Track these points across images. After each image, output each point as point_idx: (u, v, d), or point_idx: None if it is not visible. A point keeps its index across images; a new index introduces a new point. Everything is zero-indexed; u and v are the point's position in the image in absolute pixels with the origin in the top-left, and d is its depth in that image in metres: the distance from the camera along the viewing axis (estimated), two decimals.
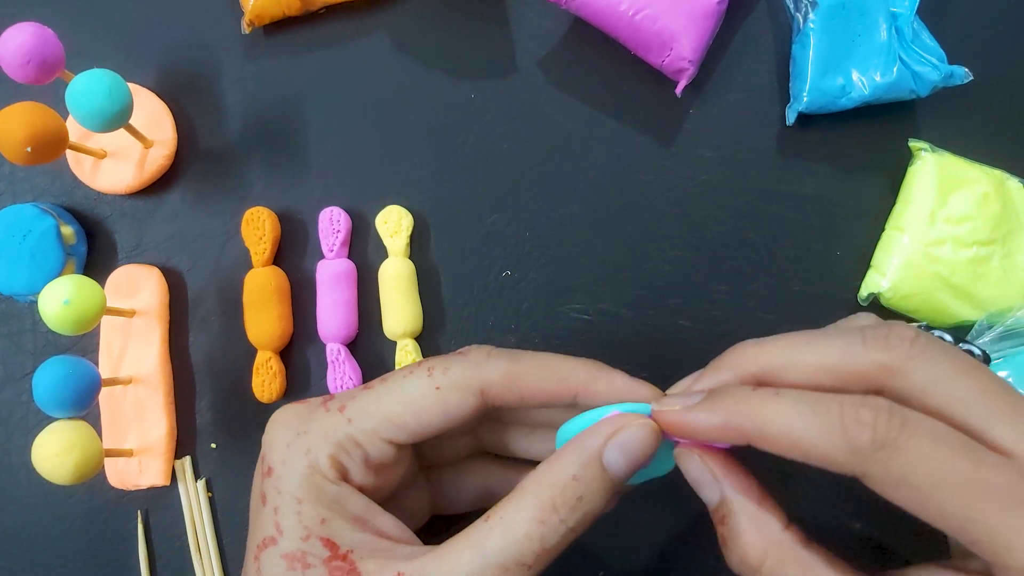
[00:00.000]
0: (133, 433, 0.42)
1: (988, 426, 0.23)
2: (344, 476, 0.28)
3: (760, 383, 0.26)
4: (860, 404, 0.23)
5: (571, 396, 0.29)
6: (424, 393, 0.28)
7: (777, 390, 0.25)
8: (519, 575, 0.25)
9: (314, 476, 0.27)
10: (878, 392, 0.24)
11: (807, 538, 0.25)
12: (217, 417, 0.43)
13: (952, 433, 0.23)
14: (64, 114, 0.38)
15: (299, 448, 0.28)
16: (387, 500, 0.31)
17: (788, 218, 0.43)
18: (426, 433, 0.28)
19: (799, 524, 0.26)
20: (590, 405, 0.28)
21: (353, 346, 0.43)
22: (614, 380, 0.29)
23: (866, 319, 0.28)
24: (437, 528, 0.34)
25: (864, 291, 0.42)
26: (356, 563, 0.26)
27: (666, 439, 0.28)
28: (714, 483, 0.27)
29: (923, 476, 0.22)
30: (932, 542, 0.27)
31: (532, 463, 0.30)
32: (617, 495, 0.28)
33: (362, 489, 0.28)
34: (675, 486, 0.41)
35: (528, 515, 0.25)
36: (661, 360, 0.42)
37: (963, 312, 0.40)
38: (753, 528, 0.25)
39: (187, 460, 0.42)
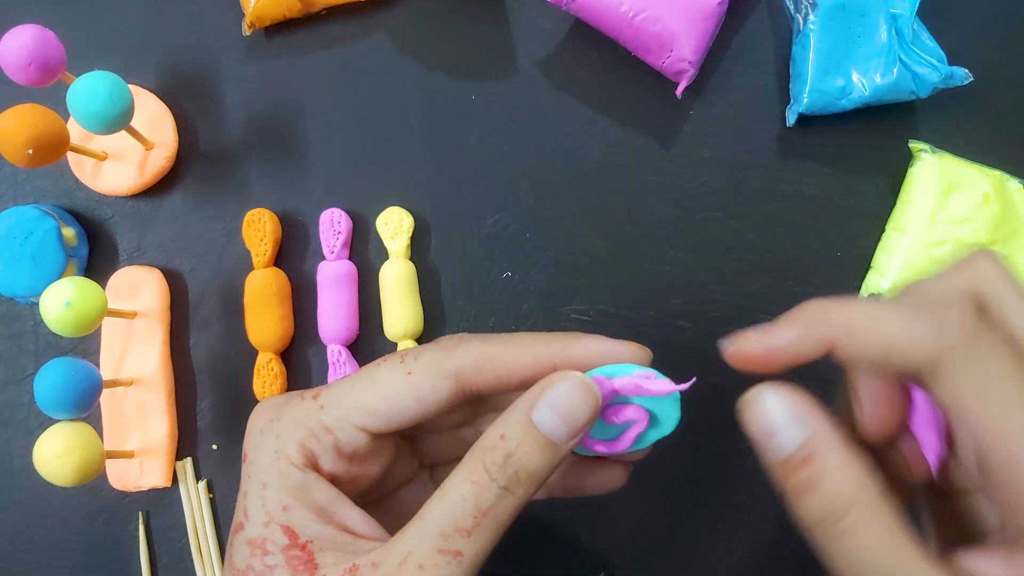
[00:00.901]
0: (134, 435, 0.42)
1: None
2: (313, 464, 0.27)
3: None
4: (948, 307, 0.23)
5: (550, 369, 0.28)
6: (395, 379, 0.27)
7: (855, 297, 0.25)
8: (459, 541, 0.25)
9: (280, 462, 0.27)
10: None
11: (887, 489, 0.23)
12: (218, 418, 0.43)
13: (1012, 354, 0.23)
14: (65, 116, 0.38)
15: (270, 434, 0.27)
16: (383, 496, 0.30)
17: (788, 218, 0.43)
18: (400, 420, 0.28)
19: None
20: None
21: (354, 347, 0.43)
22: (590, 344, 0.28)
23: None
24: None
25: (864, 292, 0.42)
26: (314, 554, 0.26)
27: (670, 393, 0.27)
28: (800, 421, 0.24)
29: (994, 375, 0.22)
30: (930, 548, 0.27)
31: None
32: (559, 455, 0.26)
33: (334, 478, 0.28)
34: (676, 486, 0.41)
35: (461, 479, 0.25)
36: (661, 360, 0.42)
37: None
38: (843, 469, 0.23)
39: (188, 461, 0.42)
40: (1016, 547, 0.23)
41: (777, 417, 0.24)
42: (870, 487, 0.23)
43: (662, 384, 0.28)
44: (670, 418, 0.29)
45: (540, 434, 0.26)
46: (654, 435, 0.29)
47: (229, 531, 0.39)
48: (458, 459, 0.34)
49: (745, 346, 0.26)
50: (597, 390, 0.26)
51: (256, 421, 0.28)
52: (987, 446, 0.22)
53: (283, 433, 0.27)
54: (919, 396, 0.27)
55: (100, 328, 0.43)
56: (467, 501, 0.25)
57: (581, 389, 0.26)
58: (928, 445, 0.27)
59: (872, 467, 0.23)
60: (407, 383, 0.27)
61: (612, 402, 0.29)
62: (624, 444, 0.29)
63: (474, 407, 0.32)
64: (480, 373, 0.27)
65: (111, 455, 0.40)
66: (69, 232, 0.43)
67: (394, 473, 0.31)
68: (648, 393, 0.28)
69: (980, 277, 0.25)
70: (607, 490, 0.32)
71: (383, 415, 0.27)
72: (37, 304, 0.36)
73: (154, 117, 0.44)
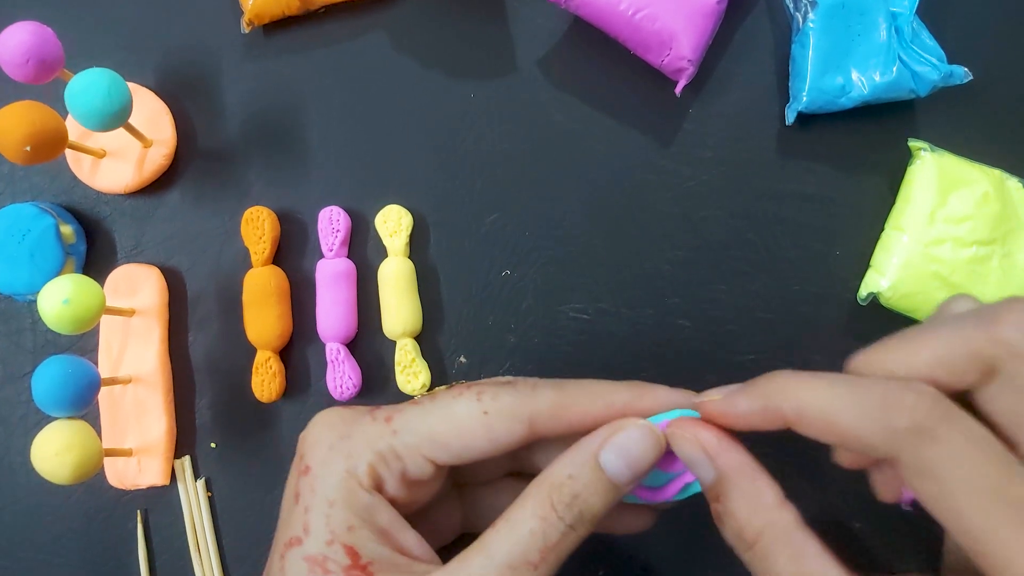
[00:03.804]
0: (132, 433, 0.42)
1: None
2: (379, 487, 0.28)
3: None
4: (905, 388, 0.23)
5: (619, 417, 0.29)
6: (472, 416, 0.28)
7: (818, 373, 0.25)
8: (526, 573, 0.25)
9: (350, 482, 0.27)
10: (989, 369, 0.24)
11: (802, 520, 0.25)
12: (217, 416, 0.43)
13: (991, 440, 0.23)
14: (63, 113, 0.38)
15: (340, 451, 0.28)
16: (416, 514, 0.31)
17: (788, 218, 0.43)
18: (469, 457, 0.28)
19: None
20: None
21: (352, 346, 0.43)
22: (657, 395, 0.29)
23: (965, 303, 0.27)
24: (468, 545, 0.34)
25: (864, 291, 0.42)
26: (374, 575, 0.26)
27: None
28: (708, 460, 0.27)
29: (951, 471, 0.22)
30: (929, 548, 0.27)
31: None
32: (619, 498, 0.27)
33: (393, 502, 0.28)
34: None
35: (529, 513, 0.26)
36: (661, 360, 0.42)
37: None
38: (749, 504, 0.26)
39: (187, 460, 0.42)
40: None
41: (692, 453, 0.27)
42: (777, 518, 0.25)
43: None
44: None
45: (606, 477, 0.27)
46: (697, 487, 0.29)
47: (236, 527, 0.39)
48: (487, 482, 0.34)
49: (712, 415, 0.27)
50: (663, 439, 0.27)
51: (323, 434, 0.28)
52: (958, 537, 0.23)
53: (355, 453, 0.27)
54: None
55: (98, 326, 0.43)
56: (535, 537, 0.26)
57: (648, 437, 0.27)
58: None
59: (783, 499, 0.26)
60: (482, 423, 0.28)
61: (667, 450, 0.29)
62: (669, 493, 0.30)
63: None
64: (554, 420, 0.28)
65: (109, 453, 0.40)
66: (67, 229, 0.43)
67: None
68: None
69: (1004, 336, 0.24)
70: (634, 531, 0.33)
71: (454, 450, 0.28)
72: (35, 301, 0.36)
73: (152, 115, 0.44)
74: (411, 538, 0.28)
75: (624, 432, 0.27)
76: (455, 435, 0.28)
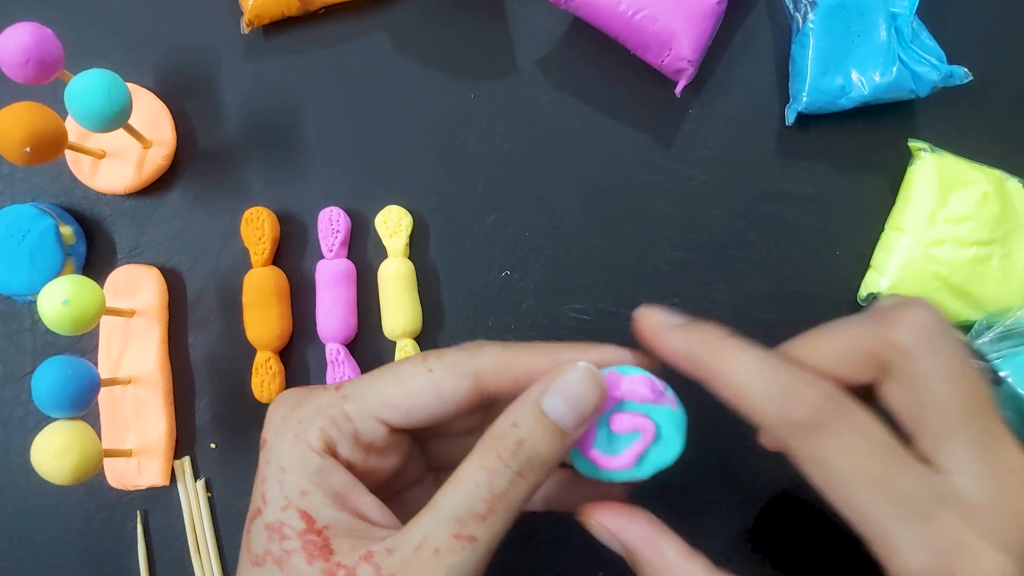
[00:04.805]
0: (132, 433, 0.42)
1: (934, 436, 0.25)
2: (332, 451, 0.28)
3: None
4: (806, 383, 0.25)
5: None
6: (417, 375, 0.28)
7: (745, 343, 0.27)
8: (475, 525, 0.25)
9: (299, 446, 0.27)
10: (883, 366, 0.26)
11: (713, 566, 0.28)
12: (216, 417, 0.43)
13: (882, 434, 0.25)
14: (63, 114, 0.38)
15: (291, 420, 0.28)
16: (391, 495, 0.31)
17: (788, 218, 0.43)
18: (419, 415, 0.28)
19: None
20: None
21: (352, 346, 0.43)
22: (604, 352, 0.29)
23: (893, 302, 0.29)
24: None
25: (863, 291, 0.42)
26: (330, 540, 0.26)
27: (675, 427, 0.29)
28: (613, 540, 0.29)
29: (840, 464, 0.25)
30: None
31: None
32: (568, 443, 0.28)
33: (350, 467, 0.28)
34: (675, 487, 0.41)
35: (475, 466, 0.26)
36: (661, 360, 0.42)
37: (963, 312, 0.40)
38: (656, 568, 0.28)
39: (186, 460, 0.42)
40: None
41: (600, 535, 0.29)
42: (686, 572, 0.27)
43: (669, 397, 0.29)
44: (674, 443, 0.29)
45: (550, 421, 0.27)
46: (656, 458, 0.29)
47: (236, 527, 0.39)
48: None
49: (644, 326, 0.29)
50: (602, 378, 0.27)
51: (277, 410, 0.29)
52: (849, 522, 0.25)
53: (304, 419, 0.28)
54: None
55: (98, 326, 0.43)
56: (481, 487, 0.26)
57: (587, 377, 0.27)
58: None
59: (688, 552, 0.28)
60: (429, 380, 0.28)
61: (620, 407, 0.29)
62: (628, 460, 0.29)
63: (484, 414, 0.32)
64: (499, 375, 0.28)
65: (109, 454, 0.40)
66: (67, 230, 0.43)
67: (404, 473, 0.32)
68: (653, 399, 0.29)
69: (896, 339, 0.26)
70: None
71: (403, 409, 0.28)
72: (35, 302, 0.36)
73: (152, 115, 0.44)
74: (369, 503, 0.28)
75: (564, 375, 0.27)
76: (403, 394, 0.28)
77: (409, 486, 0.32)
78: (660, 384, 0.29)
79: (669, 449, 0.29)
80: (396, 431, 0.29)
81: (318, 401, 0.28)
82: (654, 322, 0.29)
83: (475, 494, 0.26)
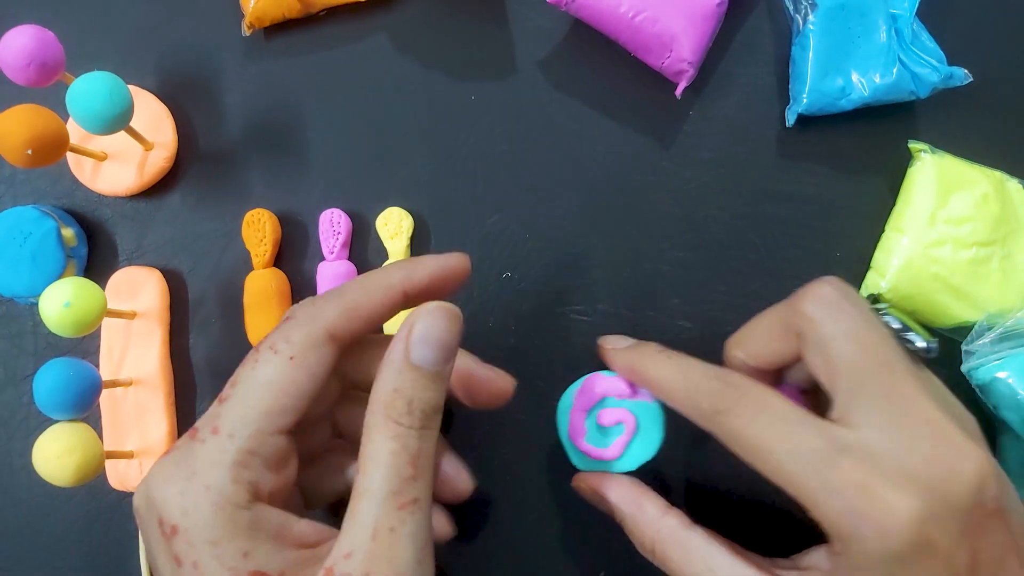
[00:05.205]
0: (134, 435, 0.42)
1: (844, 392, 0.28)
2: (255, 493, 0.26)
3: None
4: (712, 376, 0.30)
5: (402, 298, 0.30)
6: (281, 370, 0.27)
7: (671, 354, 0.33)
8: (412, 488, 0.26)
9: (225, 509, 0.25)
10: (800, 337, 0.30)
11: (689, 521, 0.32)
12: None
13: (781, 403, 0.28)
14: (65, 116, 0.38)
15: (198, 491, 0.25)
16: (308, 466, 0.31)
17: (788, 219, 0.43)
18: (304, 403, 0.28)
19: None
20: (425, 298, 0.30)
21: None
22: (426, 263, 0.31)
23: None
24: None
25: (863, 292, 0.42)
26: None
27: (652, 419, 0.35)
28: (601, 499, 0.34)
29: (750, 436, 0.28)
30: None
31: None
32: (446, 378, 0.28)
33: (272, 497, 0.27)
34: (675, 487, 0.41)
35: (380, 438, 0.26)
36: None
37: (963, 313, 0.40)
38: (637, 523, 0.33)
39: None
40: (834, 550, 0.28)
41: (589, 496, 0.36)
42: (664, 526, 0.32)
43: (643, 393, 0.36)
44: (654, 434, 0.35)
45: (426, 371, 0.27)
46: (640, 449, 0.35)
47: None
48: (315, 458, 0.33)
49: (603, 347, 0.36)
50: (454, 309, 0.28)
51: (167, 490, 0.26)
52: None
53: (210, 484, 0.26)
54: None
55: (100, 328, 0.43)
56: (398, 455, 0.26)
57: (441, 315, 0.28)
58: None
59: (666, 508, 0.33)
60: (293, 368, 0.27)
61: (603, 404, 0.36)
62: (616, 450, 0.35)
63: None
64: (347, 325, 0.29)
65: (111, 455, 0.40)
66: (68, 232, 0.43)
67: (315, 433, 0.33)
68: (630, 395, 0.35)
69: (802, 310, 0.30)
70: (499, 401, 0.35)
71: (290, 409, 0.27)
72: (36, 304, 0.36)
73: (154, 117, 0.44)
74: (304, 528, 0.27)
75: (418, 322, 0.27)
76: (282, 396, 0.27)
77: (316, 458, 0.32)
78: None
79: (651, 440, 0.35)
80: (288, 431, 0.28)
81: (206, 455, 0.26)
82: (609, 345, 0.36)
83: (396, 462, 0.26)
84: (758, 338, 0.32)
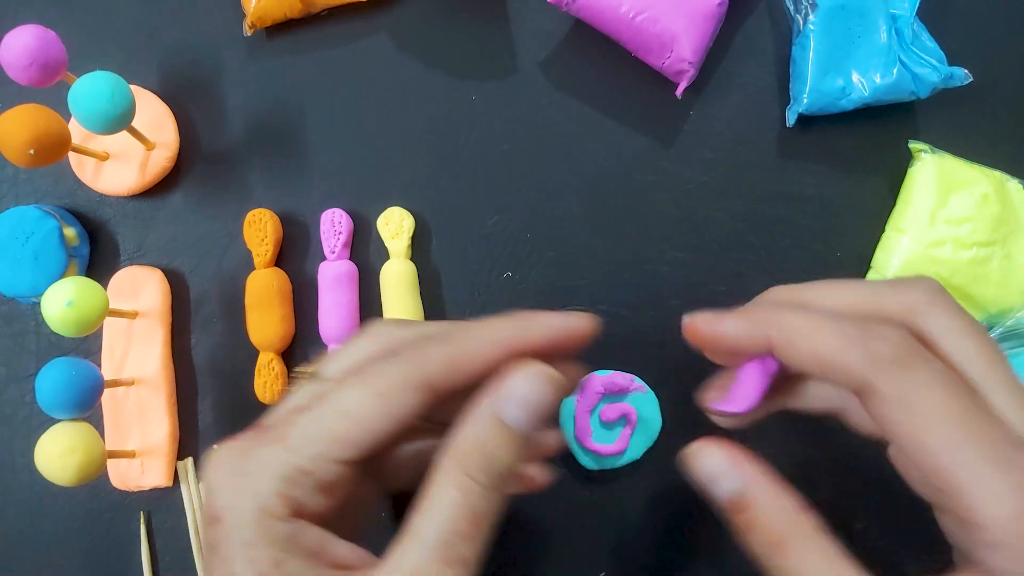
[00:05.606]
0: (135, 434, 0.42)
1: (984, 386, 0.25)
2: (297, 510, 0.26)
3: None
4: (886, 324, 0.25)
5: (507, 355, 0.28)
6: (366, 403, 0.27)
7: (806, 308, 0.27)
8: (463, 546, 0.25)
9: (264, 519, 0.25)
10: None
11: (822, 524, 0.26)
12: (219, 418, 0.43)
13: (959, 377, 0.25)
14: (67, 116, 0.38)
15: (245, 491, 0.26)
16: (339, 518, 0.30)
17: (788, 219, 0.43)
18: (378, 442, 0.27)
19: None
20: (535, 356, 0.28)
21: None
22: (541, 320, 0.29)
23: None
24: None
25: None
26: None
27: (651, 407, 0.37)
28: (733, 473, 0.27)
29: (925, 401, 0.24)
30: (931, 548, 0.28)
31: None
32: (527, 444, 0.27)
33: (316, 517, 0.27)
34: (676, 487, 0.41)
35: (446, 486, 0.25)
36: (661, 361, 0.42)
37: None
38: (774, 511, 0.26)
39: (189, 461, 0.42)
40: (965, 569, 0.24)
41: (716, 467, 0.27)
42: (801, 522, 0.26)
43: (638, 384, 0.38)
44: (654, 420, 0.37)
45: (512, 431, 0.26)
46: (642, 437, 0.37)
47: None
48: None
49: (699, 326, 0.29)
50: (554, 373, 0.27)
51: (222, 479, 0.26)
52: (926, 471, 0.24)
53: (260, 488, 0.26)
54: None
55: (101, 328, 0.43)
56: (460, 507, 0.25)
57: (541, 380, 0.27)
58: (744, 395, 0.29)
59: (803, 504, 0.26)
60: (379, 405, 0.27)
61: (605, 401, 0.38)
62: (622, 444, 0.37)
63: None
64: (448, 377, 0.27)
65: (112, 455, 0.40)
66: (71, 232, 0.43)
67: (356, 490, 0.31)
68: (628, 388, 0.37)
69: (918, 302, 0.27)
70: (537, 487, 0.32)
71: (361, 444, 0.27)
72: (39, 304, 0.36)
73: (155, 117, 0.44)
74: (343, 549, 0.27)
75: (517, 381, 0.26)
76: (357, 428, 0.26)
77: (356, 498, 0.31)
78: (629, 375, 0.38)
79: (651, 427, 0.37)
80: (351, 463, 0.27)
81: (265, 460, 0.26)
82: (703, 319, 0.29)
83: (456, 516, 0.25)
84: (845, 306, 0.27)
